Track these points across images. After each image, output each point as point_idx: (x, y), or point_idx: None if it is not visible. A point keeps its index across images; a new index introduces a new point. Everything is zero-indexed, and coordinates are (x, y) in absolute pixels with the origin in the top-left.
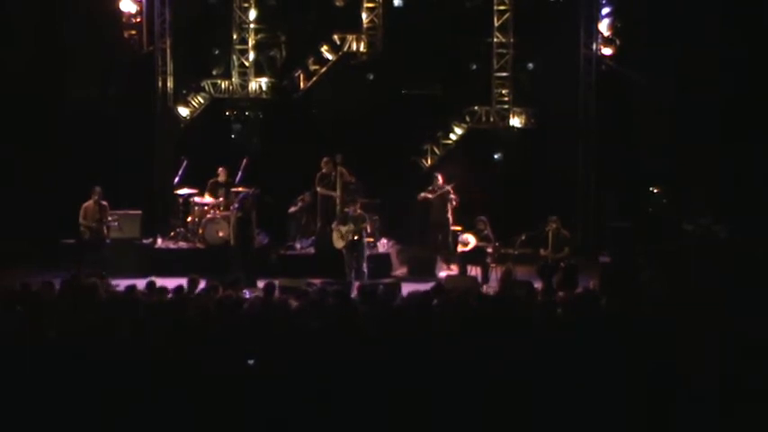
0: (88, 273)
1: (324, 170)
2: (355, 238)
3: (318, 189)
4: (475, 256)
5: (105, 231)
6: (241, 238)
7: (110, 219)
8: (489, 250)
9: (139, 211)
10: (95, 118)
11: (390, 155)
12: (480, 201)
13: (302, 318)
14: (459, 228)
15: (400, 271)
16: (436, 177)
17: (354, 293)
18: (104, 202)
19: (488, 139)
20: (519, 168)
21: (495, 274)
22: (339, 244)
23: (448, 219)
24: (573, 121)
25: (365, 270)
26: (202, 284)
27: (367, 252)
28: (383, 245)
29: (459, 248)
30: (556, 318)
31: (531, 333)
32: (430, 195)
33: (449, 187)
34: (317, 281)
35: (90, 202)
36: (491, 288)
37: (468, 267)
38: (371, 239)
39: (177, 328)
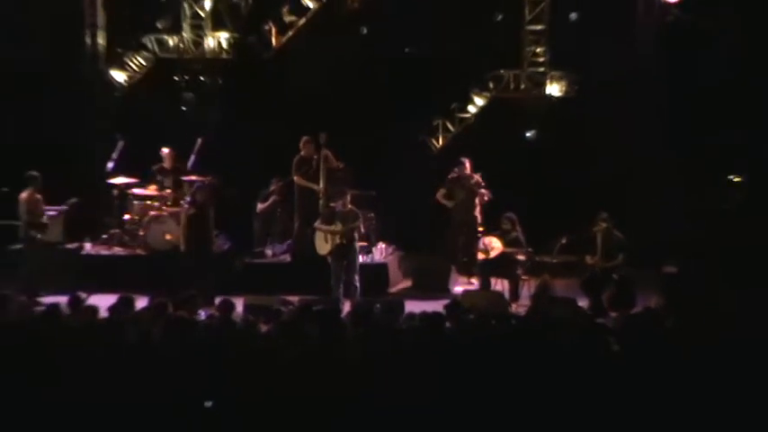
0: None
1: (303, 154)
2: (344, 241)
3: (296, 178)
4: (501, 265)
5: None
6: (194, 241)
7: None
8: (520, 258)
9: (63, 208)
10: (4, 84)
11: (390, 133)
12: (507, 193)
13: (274, 346)
14: (479, 228)
15: (403, 285)
16: (462, 164)
17: (343, 314)
18: (39, 195)
19: (518, 111)
20: (557, 150)
21: (528, 288)
22: (323, 249)
23: (475, 218)
24: (628, 89)
25: (357, 284)
26: (142, 303)
27: (360, 260)
28: (381, 251)
29: (481, 256)
30: (607, 347)
31: (576, 368)
32: (449, 204)
33: (478, 177)
34: (293, 298)
35: (30, 192)
36: (522, 307)
37: (493, 280)
38: (365, 243)
39: (111, 359)
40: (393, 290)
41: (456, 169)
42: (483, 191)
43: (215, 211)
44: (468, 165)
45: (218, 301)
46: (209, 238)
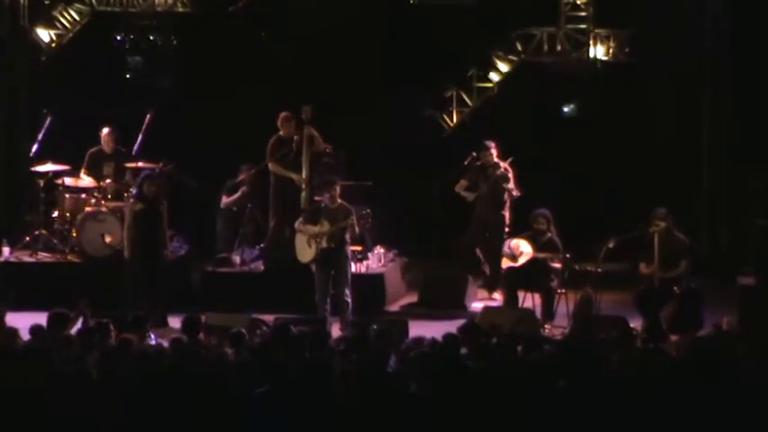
0: None
1: (281, 133)
2: (332, 245)
3: (271, 165)
4: (531, 275)
5: None
6: (142, 245)
7: None
8: (555, 266)
9: None
10: None
11: (390, 107)
12: (539, 184)
13: (243, 377)
14: (506, 231)
15: (407, 300)
16: (487, 148)
17: (331, 338)
18: None
19: (553, 80)
20: (603, 130)
21: (566, 304)
22: (306, 256)
23: (503, 217)
24: (693, 53)
25: (348, 299)
26: (78, 324)
27: (352, 269)
28: (378, 257)
29: (505, 263)
30: (666, 379)
31: (627, 407)
32: (470, 197)
33: (506, 165)
34: (267, 317)
35: None
36: (558, 328)
37: (521, 294)
38: (359, 248)
39: (32, 397)
40: (394, 307)
41: (478, 155)
42: (510, 185)
43: (168, 207)
44: (494, 150)
45: (177, 322)
46: (161, 241)
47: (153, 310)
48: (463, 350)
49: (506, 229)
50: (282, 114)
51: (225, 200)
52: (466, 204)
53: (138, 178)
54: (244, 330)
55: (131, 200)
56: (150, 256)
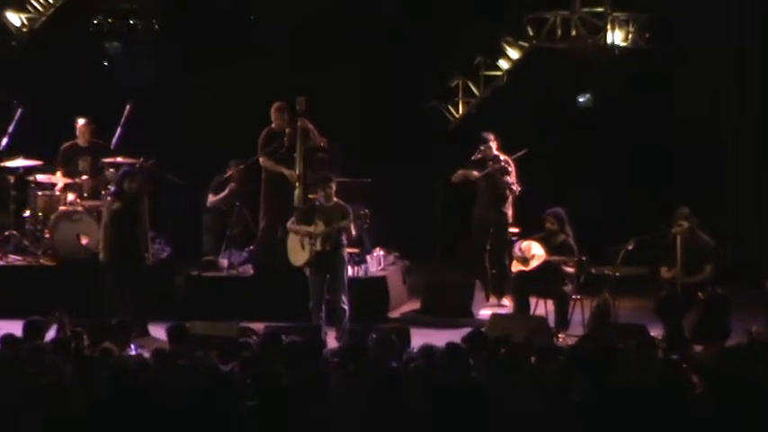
0: None
1: (273, 126)
2: (327, 247)
3: (262, 160)
4: (543, 280)
5: None
6: (120, 247)
7: None
8: (569, 270)
9: None
10: None
11: (392, 98)
12: (551, 180)
13: (231, 390)
14: (514, 229)
15: (409, 307)
16: (486, 141)
17: (325, 348)
18: None
19: (567, 68)
20: (621, 122)
21: (581, 312)
22: (299, 259)
23: (505, 215)
24: (719, 41)
25: (345, 305)
26: (52, 332)
27: (349, 273)
28: (378, 260)
29: (516, 267)
30: (689, 392)
31: (647, 421)
32: (475, 172)
33: (507, 158)
34: (257, 325)
35: None
36: (572, 338)
37: (532, 301)
38: (357, 250)
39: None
40: (394, 314)
41: (481, 147)
42: (509, 179)
43: (149, 206)
44: (493, 142)
45: (161, 330)
46: (141, 243)
47: (132, 317)
48: (470, 361)
49: (510, 228)
50: (275, 105)
51: (211, 198)
52: (471, 203)
53: (117, 174)
54: (231, 340)
55: (109, 198)
56: (129, 260)
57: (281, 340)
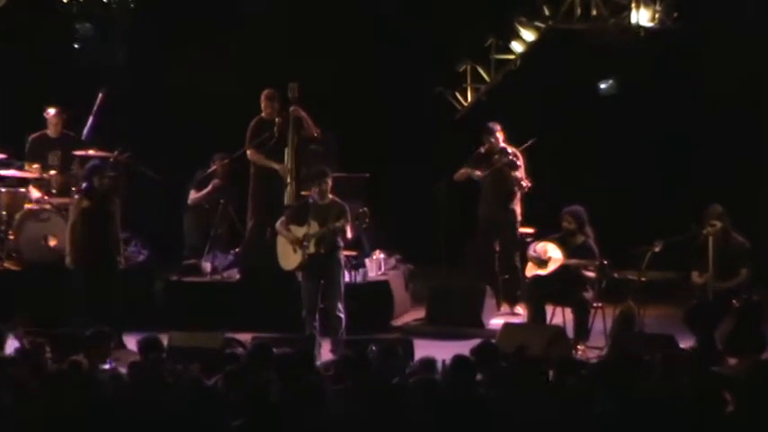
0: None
1: (263, 115)
2: (322, 250)
3: (250, 153)
4: (561, 285)
5: None
6: (91, 250)
7: None
8: (589, 274)
9: None
10: None
11: (393, 84)
12: (569, 176)
13: (215, 407)
14: (529, 230)
15: (412, 315)
16: (491, 132)
17: (319, 361)
18: None
19: (587, 51)
20: (647, 110)
21: (603, 321)
22: (291, 262)
23: (513, 213)
24: (755, 21)
25: (341, 314)
26: (13, 343)
27: (346, 278)
28: (378, 263)
29: (530, 271)
30: (722, 411)
31: None
32: (478, 172)
33: (515, 150)
34: (244, 336)
35: None
36: (593, 350)
37: (549, 309)
38: (355, 253)
39: None
40: (396, 323)
41: (491, 139)
42: (518, 174)
43: (124, 204)
44: (500, 133)
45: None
46: (113, 246)
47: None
48: (478, 376)
49: (519, 227)
50: (264, 92)
51: (193, 195)
52: (474, 201)
53: (86, 169)
54: (216, 352)
55: (77, 196)
56: (99, 264)
57: (270, 352)
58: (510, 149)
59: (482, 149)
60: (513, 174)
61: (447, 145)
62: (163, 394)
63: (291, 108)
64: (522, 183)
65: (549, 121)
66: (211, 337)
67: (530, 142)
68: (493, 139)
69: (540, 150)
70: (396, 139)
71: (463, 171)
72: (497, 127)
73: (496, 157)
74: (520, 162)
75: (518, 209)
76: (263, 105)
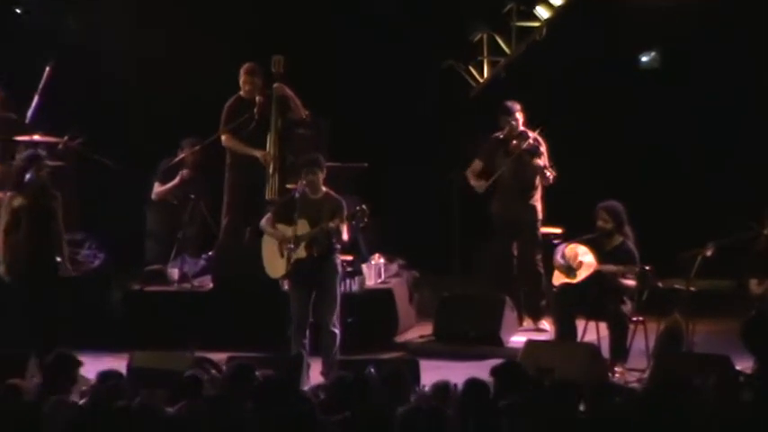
0: None
1: (241, 93)
2: (314, 253)
3: (226, 139)
4: (594, 296)
5: None
6: (27, 257)
7: None
8: (628, 283)
9: None
10: None
11: (396, 58)
12: (606, 166)
13: None
14: (555, 230)
15: (417, 331)
16: (510, 113)
17: (308, 386)
18: None
19: (623, 18)
20: (695, 88)
21: (644, 338)
22: (276, 268)
23: (533, 210)
24: None
25: (336, 329)
26: None
27: (341, 287)
28: (377, 269)
29: (558, 279)
30: None
31: None
32: (475, 183)
33: (535, 136)
34: (219, 355)
35: None
36: (633, 372)
37: (580, 324)
38: (350, 257)
39: None
40: (400, 339)
41: (511, 122)
42: (541, 161)
43: (76, 200)
44: (520, 114)
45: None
46: (55, 249)
47: (45, 347)
48: (502, 403)
49: (540, 226)
50: (244, 67)
51: (158, 189)
52: (489, 196)
53: (20, 159)
54: (186, 375)
55: (9, 193)
56: (39, 273)
57: (250, 375)
58: (531, 134)
59: (499, 134)
60: (534, 162)
61: (459, 129)
62: (119, 426)
63: (275, 85)
64: (546, 173)
65: (580, 101)
66: (180, 358)
67: (539, 129)
68: (513, 122)
69: (569, 136)
70: (398, 123)
71: (472, 170)
72: (517, 107)
73: (514, 142)
74: (543, 148)
75: (539, 205)
76: (241, 82)
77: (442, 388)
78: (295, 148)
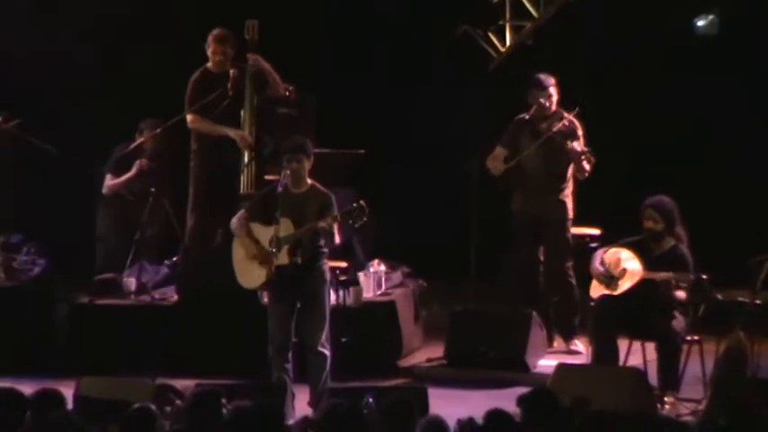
0: None
1: (209, 66)
2: (298, 259)
3: (192, 120)
4: (639, 310)
5: None
6: None
7: None
8: (680, 294)
9: None
10: None
11: (399, 23)
12: (652, 155)
13: None
14: (592, 231)
15: (425, 354)
16: (542, 87)
17: (293, 419)
18: None
19: None
20: (760, 59)
21: (700, 361)
22: (252, 277)
23: (563, 206)
24: None
25: (326, 350)
26: None
27: (332, 300)
28: (376, 279)
29: (596, 290)
30: None
31: None
32: (493, 166)
33: (571, 118)
34: (185, 382)
35: None
36: (686, 404)
37: (622, 344)
38: (344, 264)
39: None
40: (404, 363)
41: (541, 100)
42: (576, 145)
43: (11, 194)
44: (554, 89)
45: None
46: None
47: None
48: None
49: (569, 228)
50: (213, 34)
51: (111, 181)
52: (511, 190)
53: None
54: (134, 408)
55: None
56: None
57: (218, 405)
58: (566, 115)
59: (525, 115)
60: (568, 147)
61: (475, 108)
62: None
63: (250, 56)
64: (583, 161)
65: (619, 75)
66: (137, 386)
67: (575, 111)
68: (543, 100)
69: (607, 117)
70: (402, 101)
71: (493, 157)
72: (551, 81)
73: (544, 124)
74: (580, 132)
75: (570, 201)
76: (210, 52)
77: (467, 426)
78: (276, 132)
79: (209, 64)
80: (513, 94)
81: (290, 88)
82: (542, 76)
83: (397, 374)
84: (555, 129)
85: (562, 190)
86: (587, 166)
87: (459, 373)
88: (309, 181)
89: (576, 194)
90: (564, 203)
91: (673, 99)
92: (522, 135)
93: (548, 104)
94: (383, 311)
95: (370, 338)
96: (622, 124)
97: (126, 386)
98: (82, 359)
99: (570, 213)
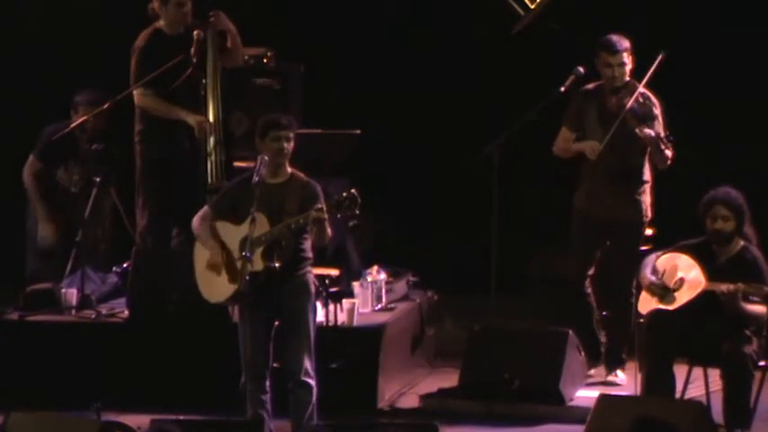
0: None
1: (160, 25)
2: (276, 264)
3: (140, 95)
4: (701, 329)
5: None
6: None
7: None
8: (754, 309)
9: None
10: None
11: None
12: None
13: None
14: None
15: (436, 383)
16: (615, 50)
17: None
18: None
19: None
20: None
21: None
22: (219, 289)
23: (640, 206)
24: None
25: (311, 378)
26: None
27: (319, 317)
28: (374, 289)
29: (646, 305)
30: None
31: None
32: (579, 147)
33: (653, 100)
34: (138, 419)
35: None
36: None
37: (679, 370)
38: (335, 272)
39: None
40: (409, 392)
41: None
42: (660, 128)
43: None
44: (627, 56)
45: None
46: None
47: None
48: None
49: (645, 228)
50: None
51: (29, 170)
52: (566, 186)
53: None
54: None
55: None
56: None
57: None
58: (640, 89)
59: (590, 86)
60: (646, 132)
61: (497, 82)
62: None
63: (212, 14)
64: (662, 147)
65: (677, 40)
66: (78, 423)
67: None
68: (617, 60)
69: (664, 92)
70: (406, 72)
71: (562, 140)
72: (626, 44)
73: (614, 98)
74: (658, 110)
75: (648, 200)
76: (161, 10)
77: None
78: (251, 108)
79: (161, 22)
80: (544, 60)
81: (270, 54)
82: (614, 38)
83: (401, 409)
84: (627, 105)
85: (639, 185)
86: (668, 155)
87: (476, 405)
88: (289, 169)
89: (654, 190)
90: (639, 203)
91: (742, 74)
92: (587, 112)
93: (616, 73)
94: (383, 331)
95: (367, 364)
96: (682, 102)
97: (64, 423)
98: (10, 389)
99: (647, 215)
